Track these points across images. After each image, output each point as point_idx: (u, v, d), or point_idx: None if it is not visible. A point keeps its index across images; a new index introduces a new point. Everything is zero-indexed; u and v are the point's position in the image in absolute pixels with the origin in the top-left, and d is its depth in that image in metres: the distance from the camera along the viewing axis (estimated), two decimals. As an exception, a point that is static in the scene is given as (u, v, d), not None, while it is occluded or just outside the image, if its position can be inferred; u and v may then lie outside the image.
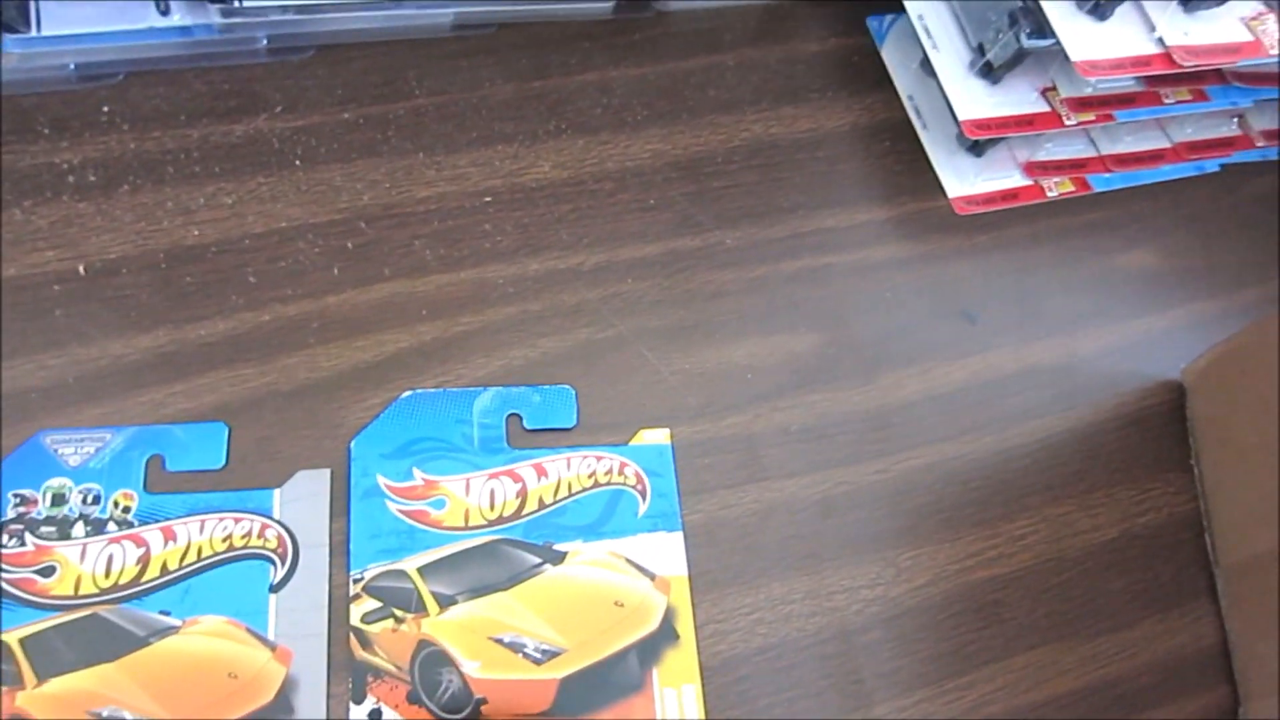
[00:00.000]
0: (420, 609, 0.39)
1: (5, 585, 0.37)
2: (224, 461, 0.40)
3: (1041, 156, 0.51)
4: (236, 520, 0.39)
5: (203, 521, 0.39)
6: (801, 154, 0.50)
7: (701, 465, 0.43)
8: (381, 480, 0.41)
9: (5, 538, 0.38)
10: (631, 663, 0.39)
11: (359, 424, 0.41)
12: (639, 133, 0.49)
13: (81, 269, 0.42)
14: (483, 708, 0.38)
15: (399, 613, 0.39)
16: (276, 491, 0.40)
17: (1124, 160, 0.51)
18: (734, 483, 0.43)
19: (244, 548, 0.39)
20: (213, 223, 0.44)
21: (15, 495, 0.38)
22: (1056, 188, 0.51)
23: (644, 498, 0.42)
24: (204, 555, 0.39)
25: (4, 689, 0.36)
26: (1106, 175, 0.51)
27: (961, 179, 0.51)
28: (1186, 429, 0.47)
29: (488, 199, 0.47)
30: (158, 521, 0.39)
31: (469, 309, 0.44)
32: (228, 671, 0.37)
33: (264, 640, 0.38)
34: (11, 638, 0.36)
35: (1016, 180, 0.51)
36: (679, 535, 0.42)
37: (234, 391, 0.41)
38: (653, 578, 0.41)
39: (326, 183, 0.46)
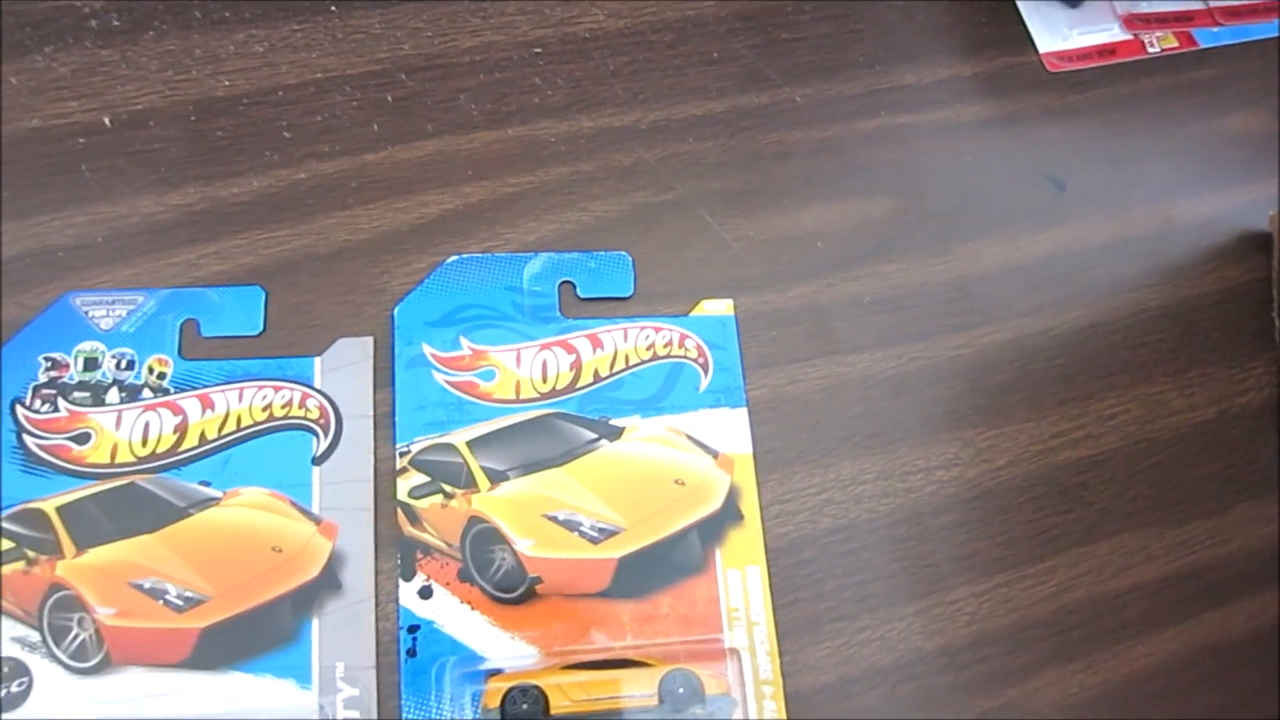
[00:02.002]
0: (470, 484, 0.37)
1: (39, 451, 0.35)
2: (261, 328, 0.38)
3: (1144, 8, 0.46)
4: (276, 389, 0.37)
5: (241, 389, 0.37)
6: (878, 2, 0.46)
7: (767, 338, 0.40)
8: (427, 349, 0.38)
9: (37, 402, 0.36)
10: (693, 543, 0.37)
11: (402, 290, 0.39)
12: (701, -22, 0.45)
13: (107, 120, 0.40)
14: (537, 587, 0.36)
15: (448, 488, 0.37)
16: (317, 360, 0.38)
17: (1235, 12, 0.47)
18: (801, 357, 0.40)
19: (285, 418, 0.37)
20: (243, 73, 0.41)
21: (46, 358, 0.36)
22: (1159, 43, 0.47)
23: (706, 371, 0.39)
24: (243, 425, 0.36)
25: (43, 558, 0.34)
26: (1215, 29, 0.47)
27: (1054, 32, 0.47)
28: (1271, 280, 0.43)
29: (537, 50, 0.43)
30: (194, 389, 0.37)
31: (517, 169, 0.41)
32: (272, 545, 0.35)
33: (308, 514, 0.36)
34: (48, 505, 0.35)
35: (1115, 34, 0.47)
36: (743, 411, 0.39)
37: (270, 254, 0.39)
38: (715, 455, 0.38)
39: (364, 30, 0.42)
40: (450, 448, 0.37)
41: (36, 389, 0.36)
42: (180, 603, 0.34)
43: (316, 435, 0.37)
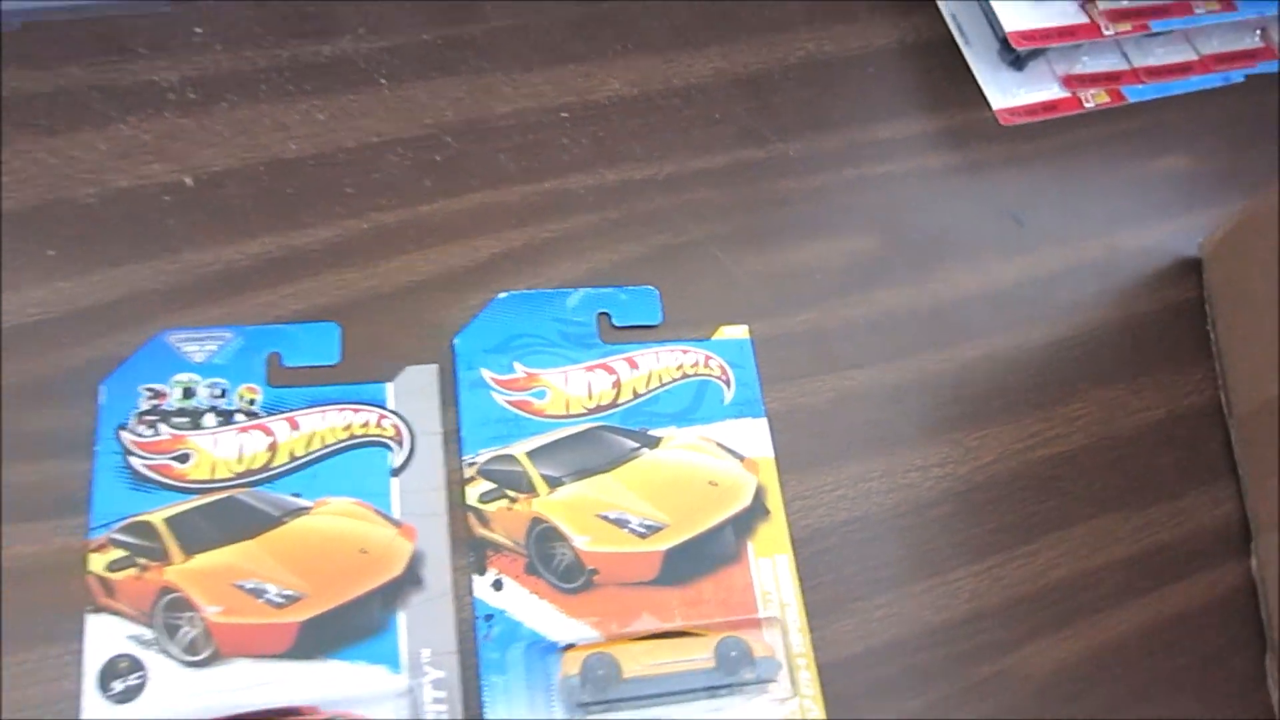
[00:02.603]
0: (530, 489, 0.42)
1: (145, 470, 0.39)
2: (338, 358, 0.42)
3: (1078, 70, 0.54)
4: (355, 411, 0.42)
5: (324, 412, 0.41)
6: (853, 70, 0.53)
7: (779, 357, 0.46)
8: (486, 373, 0.43)
9: (141, 426, 0.40)
10: (728, 535, 0.42)
11: (459, 323, 0.44)
12: (701, 52, 0.52)
13: (189, 180, 0.44)
14: (594, 578, 0.41)
15: (511, 493, 0.42)
16: (389, 385, 0.42)
17: (1156, 72, 0.54)
18: (810, 373, 0.46)
19: (364, 435, 0.41)
20: (308, 137, 0.46)
21: (147, 389, 0.41)
22: (1093, 99, 0.54)
23: (729, 387, 0.45)
24: (327, 442, 0.41)
25: (153, 564, 0.38)
26: (1140, 86, 0.54)
27: (1004, 92, 0.54)
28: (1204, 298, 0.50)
29: (564, 114, 0.49)
30: (282, 412, 0.41)
31: (553, 217, 0.47)
32: (359, 547, 0.40)
33: (389, 519, 0.40)
34: (156, 518, 0.39)
35: (1055, 92, 0.54)
36: (763, 421, 0.45)
37: (341, 294, 0.44)
38: (742, 459, 0.44)
39: (412, 100, 0.48)
40: (511, 458, 0.42)
41: (140, 415, 0.40)
42: (280, 600, 0.38)
43: (393, 450, 0.41)
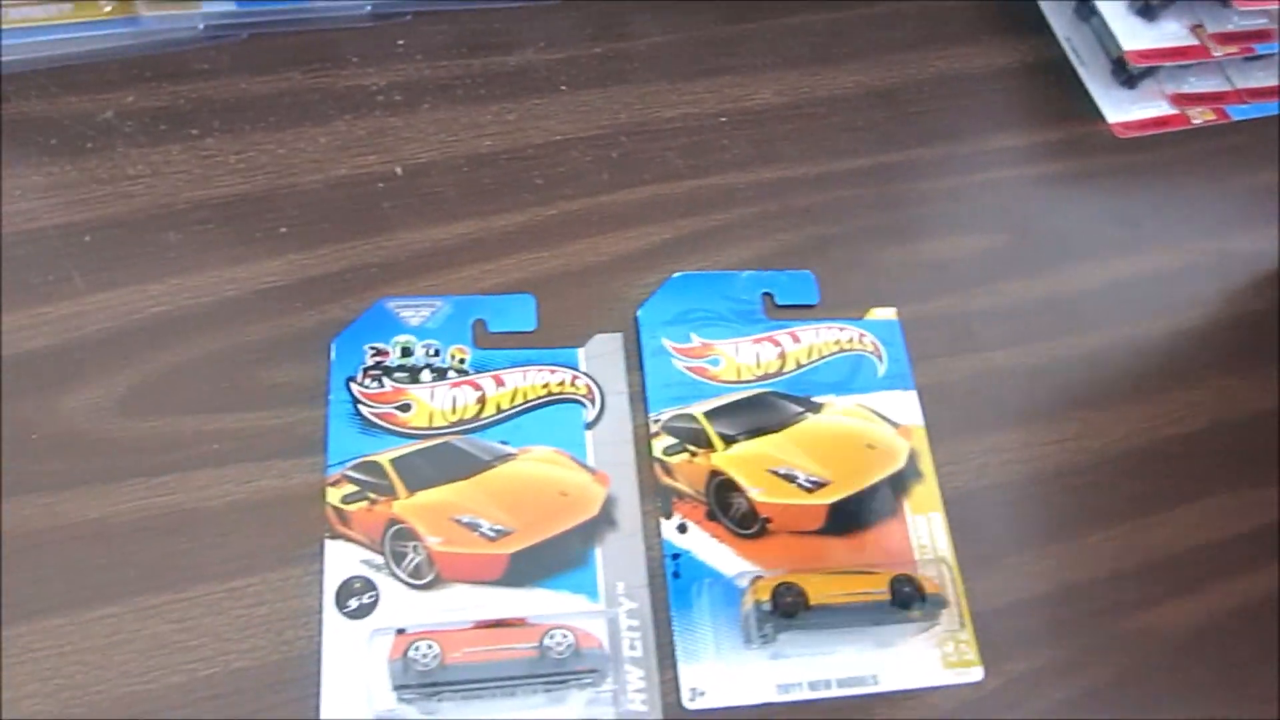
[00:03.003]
0: (709, 445, 0.46)
1: (372, 418, 0.44)
2: (535, 325, 0.47)
3: (1185, 89, 0.59)
4: (552, 371, 0.46)
5: (525, 372, 0.46)
6: (979, 85, 0.58)
7: (924, 337, 0.50)
8: (666, 342, 0.48)
9: (367, 380, 0.45)
10: (886, 493, 0.46)
11: (639, 298, 0.49)
12: (841, 67, 0.57)
13: (399, 170, 0.50)
14: (768, 525, 0.45)
15: (692, 447, 0.46)
16: (580, 350, 0.47)
17: (1257, 93, 0.59)
18: (953, 352, 0.50)
19: (560, 393, 0.46)
20: (501, 135, 0.52)
21: (370, 347, 0.46)
22: (1200, 116, 0.59)
23: (881, 361, 0.49)
24: (529, 398, 0.46)
25: (381, 499, 0.43)
26: (1242, 105, 0.59)
27: (1117, 108, 0.59)
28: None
29: (723, 119, 0.54)
30: (488, 371, 0.46)
31: (718, 208, 0.52)
32: (559, 490, 0.44)
33: (586, 467, 0.45)
34: (383, 458, 0.44)
35: (1165, 109, 0.59)
36: (913, 393, 0.49)
37: (534, 270, 0.49)
38: (896, 426, 0.48)
39: (589, 104, 0.53)
40: (691, 417, 0.47)
41: (365, 370, 0.45)
42: (492, 534, 0.43)
43: (586, 406, 0.46)
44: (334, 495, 0.42)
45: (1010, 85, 0.58)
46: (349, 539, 0.42)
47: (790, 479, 0.46)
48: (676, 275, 0.50)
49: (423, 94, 0.52)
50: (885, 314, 0.51)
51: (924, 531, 0.46)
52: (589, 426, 0.45)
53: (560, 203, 0.50)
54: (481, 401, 0.45)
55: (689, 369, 0.48)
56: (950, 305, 0.51)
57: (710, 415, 0.47)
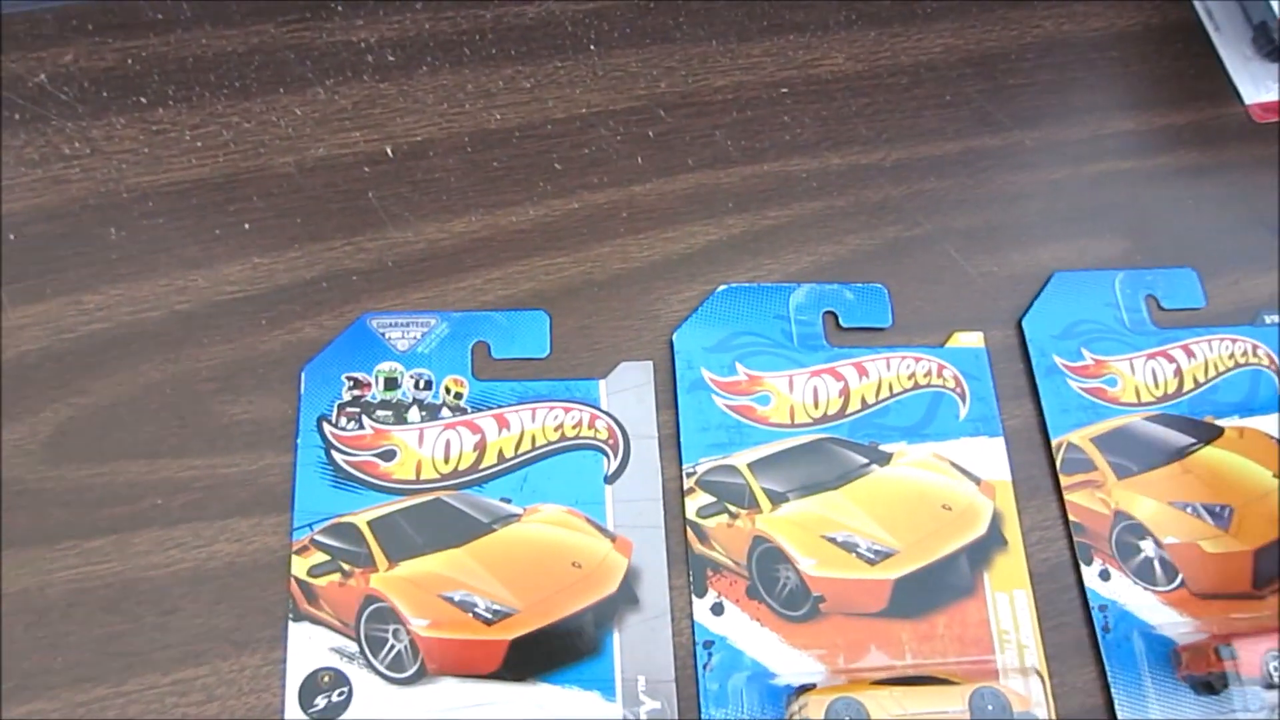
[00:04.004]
0: (753, 505, 0.38)
1: (348, 467, 0.37)
2: (548, 350, 0.39)
3: (1344, 61, 0.48)
4: (566, 410, 0.38)
5: (534, 410, 0.38)
6: (1094, 53, 0.48)
7: (1017, 370, 0.42)
8: (706, 374, 0.40)
9: (343, 419, 0.37)
10: (963, 566, 0.39)
11: (675, 316, 0.40)
12: (930, 25, 0.47)
13: (389, 150, 0.41)
14: (820, 605, 0.37)
15: (732, 508, 0.38)
16: (601, 382, 0.39)
17: None
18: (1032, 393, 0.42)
19: (575, 437, 0.38)
20: (513, 106, 0.43)
21: (349, 378, 0.38)
22: (1359, 96, 0.49)
23: (964, 401, 0.41)
24: (538, 444, 0.38)
25: (358, 570, 0.35)
26: None
27: (1257, 85, 0.48)
28: None
29: (784, 90, 0.45)
30: (490, 409, 0.38)
31: (774, 202, 0.43)
32: (572, 560, 0.36)
33: (604, 530, 0.37)
34: (360, 520, 0.36)
35: (1317, 86, 0.49)
36: (1000, 440, 0.41)
37: (550, 280, 0.40)
38: (978, 482, 0.40)
39: (622, 69, 0.44)
40: (733, 469, 0.39)
41: (341, 407, 0.37)
42: (489, 615, 0.35)
43: (607, 455, 0.38)
44: (300, 566, 0.35)
45: (1130, 54, 0.48)
46: (317, 620, 0.35)
47: (850, 548, 0.38)
48: (721, 288, 0.41)
49: (421, 53, 0.43)
50: (971, 340, 0.42)
51: (1006, 614, 0.38)
52: (609, 480, 0.38)
53: (583, 193, 0.42)
54: (480, 448, 0.37)
55: (732, 408, 0.39)
56: (1049, 329, 0.42)
57: (756, 467, 0.39)
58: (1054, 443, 0.40)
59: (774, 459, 0.39)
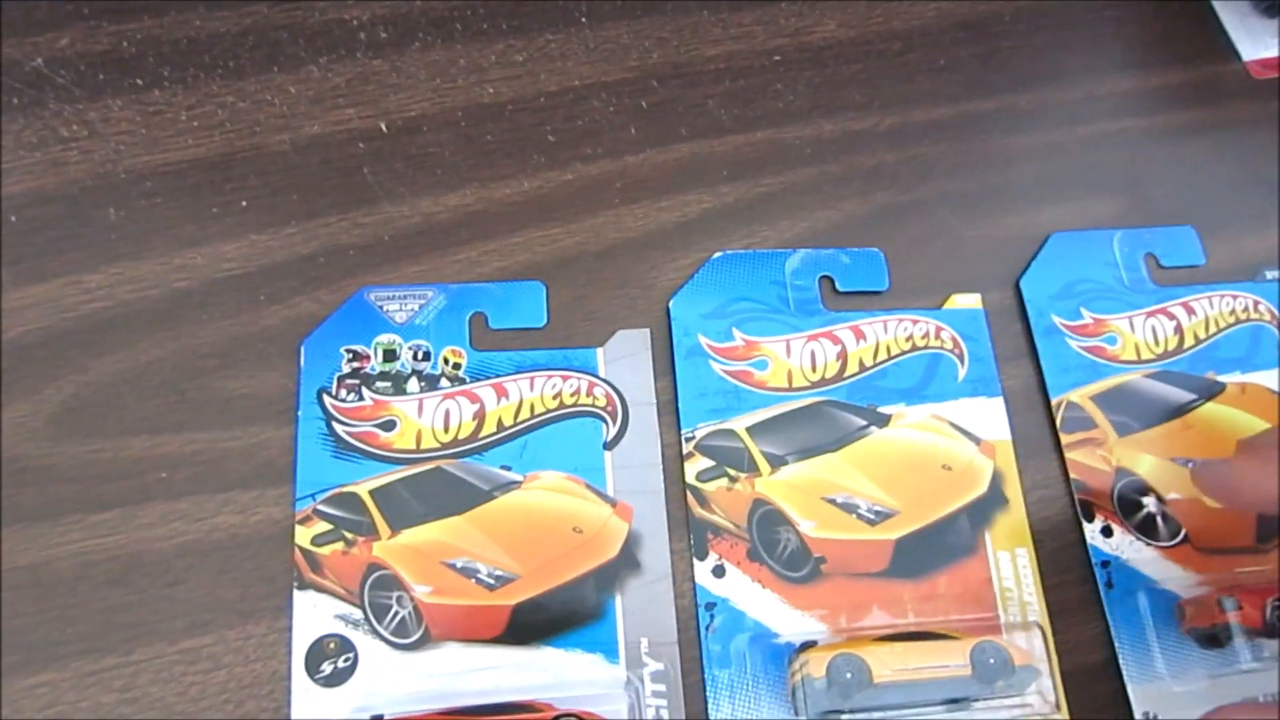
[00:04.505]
0: (752, 468, 0.38)
1: (348, 438, 0.37)
2: (545, 320, 0.39)
3: (1343, 15, 0.48)
4: (564, 378, 0.38)
5: (532, 379, 0.38)
6: (1089, 14, 0.48)
7: (1014, 331, 0.42)
8: (703, 340, 0.40)
9: (342, 391, 0.37)
10: (963, 525, 0.39)
11: (672, 284, 0.40)
12: (923, -10, 0.47)
13: (384, 126, 0.41)
14: (821, 566, 0.37)
15: (731, 471, 0.38)
16: (599, 350, 0.39)
17: None
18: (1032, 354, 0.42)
19: (574, 405, 0.38)
20: (506, 81, 0.43)
21: (347, 350, 0.38)
22: (1358, 50, 0.48)
23: (962, 362, 0.41)
24: (536, 412, 0.38)
25: (360, 539, 0.35)
26: None
27: (1255, 41, 0.48)
28: None
29: (776, 58, 0.45)
30: (488, 378, 0.38)
31: (768, 170, 0.43)
32: (572, 526, 0.37)
33: (604, 496, 0.37)
34: (361, 489, 0.36)
35: (1315, 42, 0.48)
36: (999, 400, 0.41)
37: (545, 251, 0.40)
38: (978, 442, 0.40)
39: (614, 40, 0.44)
40: (731, 433, 0.39)
41: (340, 379, 0.38)
42: (491, 581, 0.36)
43: (605, 421, 0.38)
44: (303, 535, 0.35)
45: (1125, 13, 0.48)
46: (321, 588, 0.35)
47: (850, 509, 0.38)
48: (717, 256, 0.41)
49: (413, 30, 0.43)
50: (968, 302, 0.42)
51: (1009, 572, 0.38)
52: (608, 446, 0.38)
53: (577, 165, 0.42)
54: (479, 417, 0.38)
55: (730, 373, 0.39)
56: (1047, 290, 0.42)
57: (754, 431, 0.39)
58: (1054, 402, 0.40)
59: (772, 423, 0.39)
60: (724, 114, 0.43)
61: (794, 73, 0.44)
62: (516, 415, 0.38)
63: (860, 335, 0.41)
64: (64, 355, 0.37)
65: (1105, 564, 0.38)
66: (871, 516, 0.38)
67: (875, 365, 0.40)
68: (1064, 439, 0.39)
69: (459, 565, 0.36)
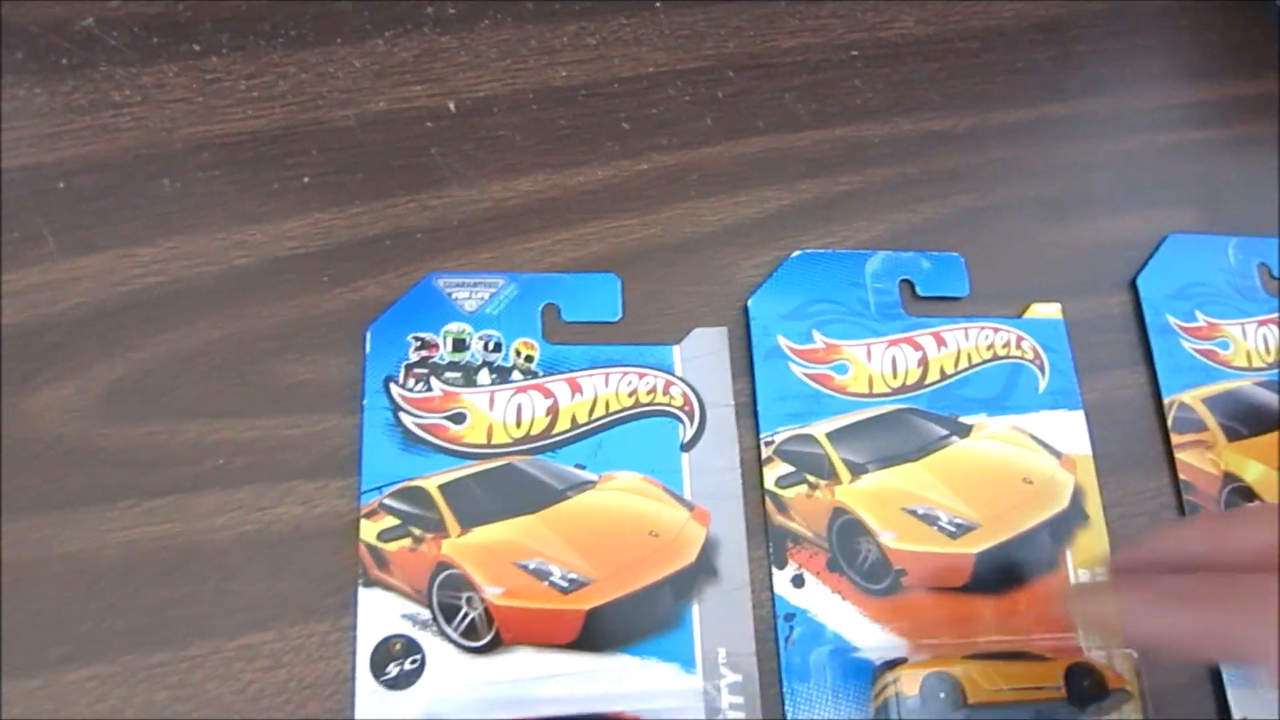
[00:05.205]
0: (832, 476, 0.37)
1: (417, 430, 0.35)
2: (620, 314, 0.38)
3: None
4: (640, 375, 0.37)
5: (607, 375, 0.37)
6: (1165, 20, 0.47)
7: (1095, 343, 0.41)
8: (783, 341, 0.38)
9: (410, 380, 0.35)
10: (1044, 541, 0.37)
11: (748, 281, 0.39)
12: (999, -10, 0.46)
13: (452, 106, 0.40)
14: (902, 579, 0.36)
15: (811, 478, 0.37)
16: (675, 348, 0.38)
17: None
18: (1129, 363, 0.41)
19: (650, 404, 0.37)
20: (578, 64, 0.41)
21: (415, 338, 0.36)
22: None
23: (1043, 373, 0.40)
24: (612, 409, 0.36)
25: (429, 536, 0.34)
26: None
27: (1330, 55, 0.47)
28: None
29: (854, 53, 0.43)
30: (561, 373, 0.37)
31: (846, 168, 0.41)
32: (649, 529, 0.35)
33: (680, 499, 0.36)
34: (430, 484, 0.35)
35: (1389, 59, 0.48)
36: (1080, 414, 0.39)
37: (620, 242, 0.39)
38: (1059, 456, 0.39)
39: (689, 27, 0.43)
40: (811, 439, 0.37)
41: (409, 368, 0.36)
42: (565, 584, 0.34)
43: (683, 422, 0.37)
44: (369, 530, 0.34)
45: (1201, 21, 0.47)
46: (388, 586, 0.33)
47: (930, 521, 0.37)
48: (796, 254, 0.40)
49: (483, 6, 0.41)
50: (1048, 311, 0.41)
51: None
52: (686, 448, 0.36)
53: (652, 155, 0.40)
54: (553, 413, 0.36)
55: (810, 377, 0.38)
56: (1127, 303, 0.42)
57: (834, 437, 0.37)
58: (1166, 401, 0.39)
59: (853, 429, 0.38)
60: (801, 108, 0.42)
61: (871, 69, 0.43)
62: (591, 412, 0.36)
63: (941, 342, 0.39)
64: (115, 332, 0.35)
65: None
66: (952, 529, 0.37)
67: (956, 373, 0.39)
68: (1174, 439, 0.38)
69: (531, 567, 0.34)
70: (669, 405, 0.37)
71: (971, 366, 0.39)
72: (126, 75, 0.38)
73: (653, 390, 0.37)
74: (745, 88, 0.42)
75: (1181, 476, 0.38)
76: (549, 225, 0.38)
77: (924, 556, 0.36)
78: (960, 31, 0.45)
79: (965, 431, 0.38)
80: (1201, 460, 0.38)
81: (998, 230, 0.42)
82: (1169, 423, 0.39)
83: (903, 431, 0.38)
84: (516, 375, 0.36)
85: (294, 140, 0.38)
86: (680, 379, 0.37)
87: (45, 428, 0.34)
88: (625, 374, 0.37)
